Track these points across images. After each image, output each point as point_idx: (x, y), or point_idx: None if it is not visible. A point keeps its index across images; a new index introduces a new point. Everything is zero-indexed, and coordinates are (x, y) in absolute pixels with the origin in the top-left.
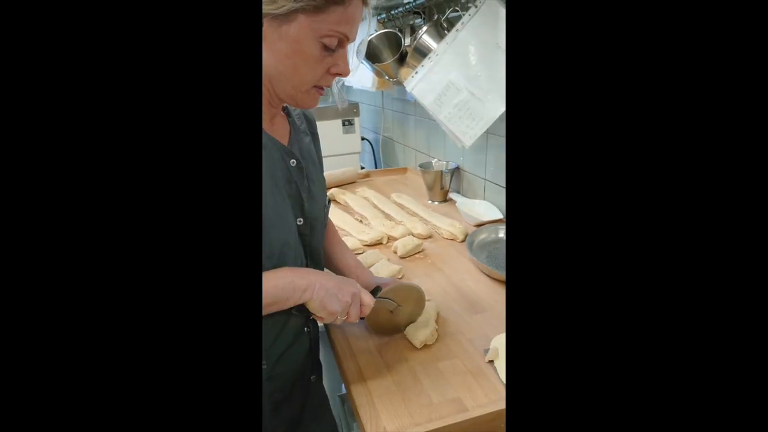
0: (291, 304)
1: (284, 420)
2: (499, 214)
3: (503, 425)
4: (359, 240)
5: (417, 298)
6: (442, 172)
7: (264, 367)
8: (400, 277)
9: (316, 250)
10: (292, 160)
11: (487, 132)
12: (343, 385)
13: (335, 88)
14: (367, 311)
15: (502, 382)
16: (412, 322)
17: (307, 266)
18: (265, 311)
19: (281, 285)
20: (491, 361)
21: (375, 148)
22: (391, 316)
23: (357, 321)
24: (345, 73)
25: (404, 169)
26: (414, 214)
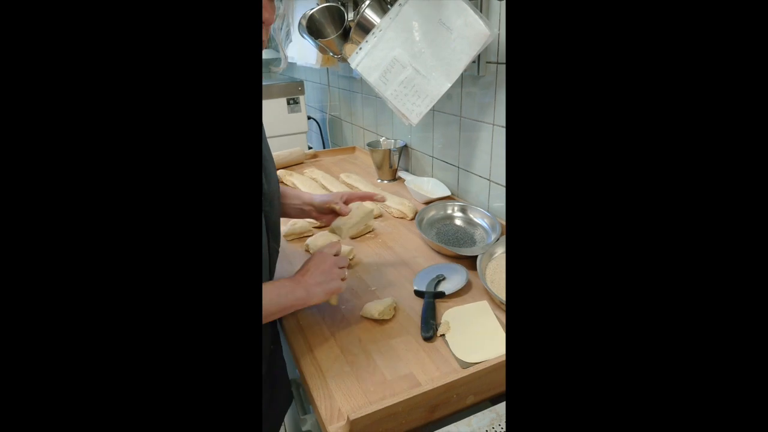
0: (296, 308)
1: None
2: (447, 191)
3: (455, 396)
4: (308, 222)
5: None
6: (390, 150)
7: None
8: (351, 258)
9: (275, 224)
10: None
11: (433, 109)
12: (297, 370)
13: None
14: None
15: (454, 354)
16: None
17: (267, 241)
18: (271, 318)
19: (285, 297)
20: (443, 335)
21: (322, 127)
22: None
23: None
24: (269, 21)
25: (352, 149)
26: None
